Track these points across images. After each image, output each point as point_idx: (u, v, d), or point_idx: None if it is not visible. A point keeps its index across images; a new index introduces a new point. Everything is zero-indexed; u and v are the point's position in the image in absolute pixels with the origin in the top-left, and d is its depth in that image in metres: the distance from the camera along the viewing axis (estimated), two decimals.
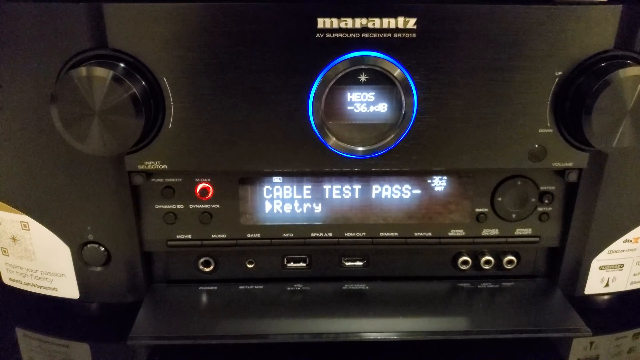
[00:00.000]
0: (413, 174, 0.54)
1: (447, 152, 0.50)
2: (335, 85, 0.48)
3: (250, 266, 0.57)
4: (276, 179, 0.54)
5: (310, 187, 0.54)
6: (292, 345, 0.53)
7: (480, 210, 0.55)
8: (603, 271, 0.56)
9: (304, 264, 0.58)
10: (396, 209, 0.55)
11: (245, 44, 0.46)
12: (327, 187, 0.54)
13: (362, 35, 0.46)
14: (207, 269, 0.57)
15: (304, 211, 0.55)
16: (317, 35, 0.46)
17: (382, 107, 0.49)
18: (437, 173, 0.54)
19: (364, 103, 0.49)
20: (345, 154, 0.50)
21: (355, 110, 0.49)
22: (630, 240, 0.55)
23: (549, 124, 0.50)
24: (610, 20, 0.46)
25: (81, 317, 0.58)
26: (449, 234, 0.56)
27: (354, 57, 0.47)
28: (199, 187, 0.53)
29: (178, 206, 0.53)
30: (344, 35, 0.46)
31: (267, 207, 0.54)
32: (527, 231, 0.56)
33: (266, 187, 0.54)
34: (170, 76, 0.47)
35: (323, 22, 0.45)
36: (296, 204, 0.54)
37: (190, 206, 0.53)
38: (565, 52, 0.47)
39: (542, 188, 0.54)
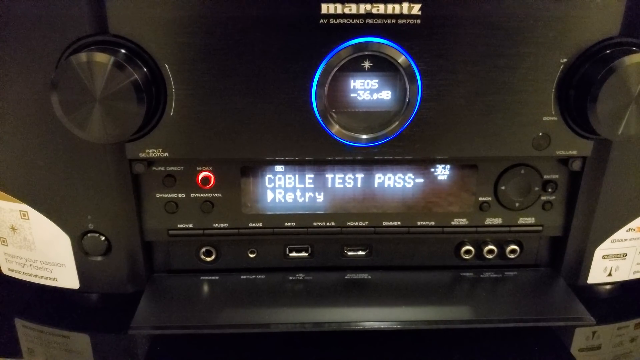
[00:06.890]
0: (416, 162, 0.53)
1: (451, 140, 0.50)
2: (339, 72, 0.47)
3: (251, 256, 0.57)
4: (278, 168, 0.53)
5: (312, 175, 0.54)
6: (294, 335, 0.53)
7: (484, 199, 0.55)
8: (606, 260, 0.56)
9: (306, 254, 0.57)
10: (399, 197, 0.54)
11: (247, 30, 0.45)
12: (329, 175, 0.54)
13: (366, 21, 0.45)
14: (208, 259, 0.57)
15: (306, 200, 0.54)
16: (321, 21, 0.45)
17: (386, 95, 0.49)
18: (441, 161, 0.53)
19: (368, 90, 0.49)
20: (348, 142, 0.50)
21: (359, 98, 0.49)
22: (634, 229, 0.55)
23: (553, 112, 0.49)
24: (615, 7, 0.46)
25: (81, 308, 0.58)
26: (452, 223, 0.55)
27: (357, 44, 0.46)
28: (201, 175, 0.52)
29: (179, 195, 0.53)
30: (348, 21, 0.45)
31: (269, 196, 0.54)
32: (531, 220, 0.55)
33: (268, 175, 0.53)
34: (172, 62, 0.46)
35: (327, 8, 0.45)
36: (298, 193, 0.54)
37: (192, 195, 0.53)
38: (571, 39, 0.47)
39: (545, 177, 0.54)
